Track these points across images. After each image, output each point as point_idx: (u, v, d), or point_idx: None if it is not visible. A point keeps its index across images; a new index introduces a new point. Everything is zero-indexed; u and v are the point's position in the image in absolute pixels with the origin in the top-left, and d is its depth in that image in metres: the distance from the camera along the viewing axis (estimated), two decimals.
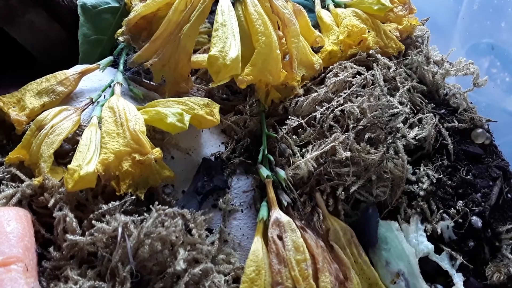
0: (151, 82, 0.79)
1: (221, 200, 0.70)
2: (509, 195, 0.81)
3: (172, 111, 0.67)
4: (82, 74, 0.75)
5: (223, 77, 0.64)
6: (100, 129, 0.66)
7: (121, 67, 0.76)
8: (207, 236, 0.65)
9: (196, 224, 0.62)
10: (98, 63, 0.77)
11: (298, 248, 0.63)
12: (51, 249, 0.59)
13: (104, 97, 0.74)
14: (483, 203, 0.77)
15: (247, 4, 0.70)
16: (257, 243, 0.64)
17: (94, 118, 0.69)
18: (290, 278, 0.61)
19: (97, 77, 0.77)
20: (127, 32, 0.77)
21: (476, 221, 0.75)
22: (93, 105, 0.73)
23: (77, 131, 0.69)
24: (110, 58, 0.78)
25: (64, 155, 0.69)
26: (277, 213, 0.66)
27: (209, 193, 0.70)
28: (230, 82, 0.72)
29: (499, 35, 1.05)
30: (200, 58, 0.78)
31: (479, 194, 0.78)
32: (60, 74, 0.74)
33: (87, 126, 0.68)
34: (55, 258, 0.59)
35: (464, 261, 0.73)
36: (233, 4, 0.72)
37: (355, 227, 0.74)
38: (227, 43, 0.65)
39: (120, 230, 0.56)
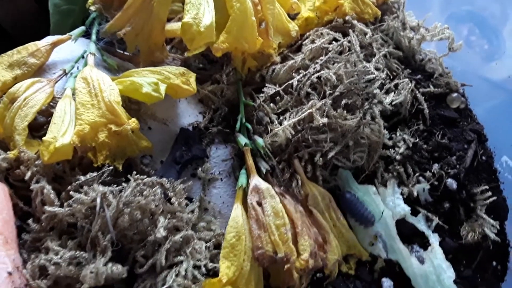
0: (125, 52, 0.77)
1: (200, 169, 0.70)
2: (483, 158, 0.83)
3: (147, 80, 0.66)
4: (54, 45, 0.73)
5: (197, 45, 0.64)
6: (74, 101, 0.65)
7: (93, 37, 0.75)
8: (187, 204, 0.66)
9: (175, 192, 0.62)
10: (70, 33, 0.75)
11: (277, 213, 0.63)
12: (30, 221, 0.59)
13: (78, 68, 0.72)
14: (458, 166, 0.78)
15: None
16: (237, 210, 0.64)
17: (68, 89, 0.67)
18: (270, 242, 0.62)
19: (69, 48, 0.76)
20: (99, 1, 0.75)
21: (451, 183, 0.77)
22: (67, 77, 0.71)
23: (51, 103, 0.68)
24: (82, 28, 0.76)
25: (39, 127, 0.68)
26: (256, 180, 0.66)
27: (188, 162, 0.70)
28: (206, 51, 0.72)
29: (478, 2, 1.05)
30: (174, 26, 0.77)
31: (454, 157, 0.79)
32: (32, 46, 0.72)
33: (61, 97, 0.67)
34: (34, 230, 0.58)
35: (440, 222, 0.75)
36: None
37: (333, 192, 0.75)
38: (200, 9, 0.64)
39: (98, 200, 0.56)
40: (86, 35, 0.77)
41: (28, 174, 0.61)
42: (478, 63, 1.02)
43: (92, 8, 0.76)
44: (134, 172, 0.61)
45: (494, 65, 1.00)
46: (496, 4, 1.03)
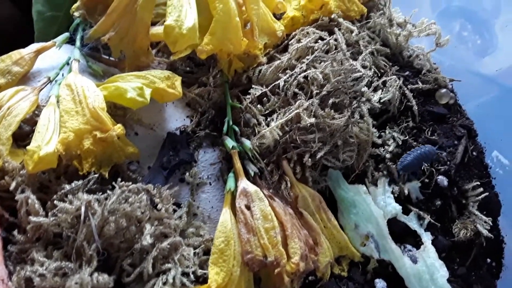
0: (111, 58, 0.76)
1: (187, 173, 0.70)
2: (474, 153, 0.82)
3: (132, 85, 0.66)
4: (38, 52, 0.73)
5: (180, 47, 0.63)
6: (59, 108, 0.65)
7: (77, 43, 0.74)
8: (175, 210, 0.65)
9: (162, 198, 0.62)
10: (54, 40, 0.74)
11: (266, 216, 0.63)
12: (15, 232, 0.58)
13: (62, 75, 0.72)
14: (448, 162, 0.78)
15: None
16: (226, 214, 0.64)
17: (52, 97, 0.67)
18: (259, 246, 0.61)
19: (54, 55, 0.75)
20: (82, 7, 0.75)
21: (442, 180, 0.76)
22: (51, 84, 0.70)
23: (36, 112, 0.68)
24: (66, 34, 0.75)
25: (24, 136, 0.67)
26: (244, 183, 0.66)
27: (175, 167, 0.69)
28: (192, 54, 0.71)
29: None
30: (159, 30, 0.76)
31: (445, 153, 0.79)
32: (15, 54, 0.72)
33: (45, 105, 0.66)
34: (20, 242, 0.58)
35: (432, 220, 0.75)
36: None
37: (323, 192, 0.75)
38: (182, 11, 0.63)
39: (83, 208, 0.55)
40: (71, 41, 0.76)
41: (13, 185, 0.60)
42: (472, 58, 1.01)
43: (76, 14, 0.75)
44: (119, 179, 0.60)
45: (486, 60, 1.00)
46: None
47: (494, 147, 0.84)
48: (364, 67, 0.78)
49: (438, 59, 0.91)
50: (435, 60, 0.90)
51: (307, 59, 0.77)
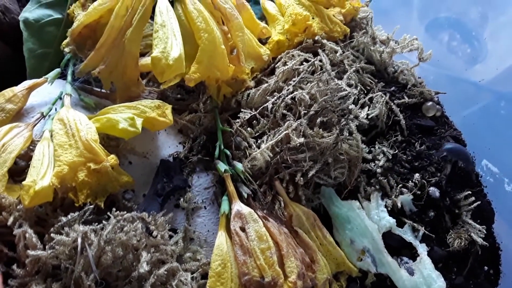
0: (102, 90, 0.78)
1: (182, 199, 0.71)
2: (464, 163, 0.83)
3: (123, 116, 0.67)
4: (30, 89, 0.74)
5: (168, 77, 0.65)
6: (53, 142, 0.66)
7: (69, 78, 0.76)
8: (171, 236, 0.66)
9: (157, 225, 0.63)
10: (46, 76, 0.76)
11: (261, 237, 0.64)
12: (14, 266, 0.59)
13: (55, 110, 0.73)
14: (439, 174, 0.79)
15: (186, 3, 0.71)
16: (221, 237, 0.65)
17: (46, 132, 0.68)
18: (256, 267, 0.62)
19: (46, 90, 0.77)
20: (72, 43, 0.77)
21: (434, 191, 0.77)
22: (44, 119, 0.72)
23: (31, 147, 0.69)
24: (57, 70, 0.77)
25: (20, 172, 0.68)
26: (238, 206, 0.67)
27: (170, 193, 0.70)
28: (182, 82, 0.73)
29: (456, 7, 1.07)
30: (148, 61, 0.77)
31: (435, 165, 0.80)
32: (8, 92, 0.73)
33: (39, 140, 0.68)
34: (20, 275, 0.58)
35: (426, 232, 0.75)
36: (172, 3, 0.72)
37: (318, 210, 0.76)
38: (168, 43, 0.65)
39: (79, 240, 0.56)
40: (62, 76, 0.78)
41: (11, 220, 0.61)
42: (462, 67, 1.03)
43: (66, 49, 0.77)
44: (114, 209, 0.61)
45: (476, 68, 1.02)
46: (474, 8, 1.06)
47: (483, 156, 0.85)
48: (349, 85, 0.80)
49: (428, 69, 0.93)
50: (425, 71, 0.92)
51: (294, 81, 0.79)
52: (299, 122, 0.73)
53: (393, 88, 0.87)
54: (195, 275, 0.64)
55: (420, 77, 0.90)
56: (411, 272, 0.71)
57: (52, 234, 0.58)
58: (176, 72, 0.66)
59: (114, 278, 0.58)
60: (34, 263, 0.58)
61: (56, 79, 0.78)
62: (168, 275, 0.60)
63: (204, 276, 0.65)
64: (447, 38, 1.08)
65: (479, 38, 1.04)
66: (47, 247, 0.57)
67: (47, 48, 0.84)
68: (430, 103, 0.86)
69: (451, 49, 1.07)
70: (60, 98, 0.75)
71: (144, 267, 0.56)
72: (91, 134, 0.65)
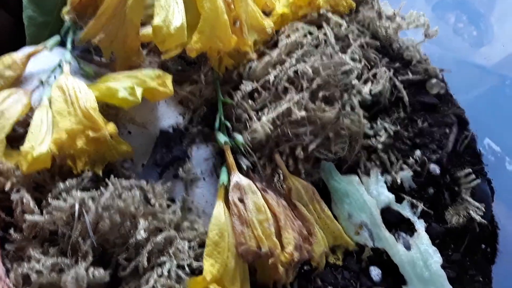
0: (102, 59, 0.78)
1: (181, 169, 0.70)
2: (465, 141, 0.83)
3: (123, 85, 0.66)
4: (30, 56, 0.74)
5: (169, 46, 0.64)
6: (51, 109, 0.65)
7: (69, 46, 0.75)
8: (168, 206, 0.66)
9: (155, 194, 0.63)
10: (45, 43, 0.75)
11: (260, 208, 0.64)
12: (12, 231, 0.59)
13: (54, 77, 0.72)
14: (440, 151, 0.78)
15: None
16: (219, 207, 0.65)
17: (45, 99, 0.68)
18: (253, 238, 0.62)
19: (46, 58, 0.76)
20: (72, 11, 0.75)
21: (434, 168, 0.77)
22: (43, 87, 0.71)
23: (29, 114, 0.68)
24: (57, 37, 0.76)
25: (18, 138, 0.67)
26: (237, 177, 0.67)
27: (169, 164, 0.70)
28: (183, 54, 0.72)
29: None
30: (149, 30, 0.76)
31: (436, 142, 0.79)
32: (7, 58, 0.73)
33: (38, 107, 0.67)
34: (17, 240, 0.59)
35: (425, 208, 0.75)
36: None
37: (317, 184, 0.75)
38: (169, 11, 0.64)
39: (77, 206, 0.56)
40: (62, 44, 0.78)
41: (8, 185, 0.61)
42: (468, 50, 1.02)
43: (66, 17, 0.76)
44: (112, 176, 0.61)
45: (482, 51, 1.01)
46: None
47: (486, 134, 0.84)
48: (353, 60, 0.79)
49: (434, 50, 0.92)
50: (430, 51, 0.90)
51: (297, 54, 0.78)
52: (301, 96, 0.73)
53: (397, 64, 0.85)
54: (192, 243, 0.64)
55: (425, 54, 0.88)
56: (408, 247, 0.71)
57: (49, 200, 0.58)
58: (177, 41, 0.65)
59: (111, 245, 0.58)
60: (31, 228, 0.58)
61: (56, 47, 0.77)
62: (166, 242, 0.60)
63: (202, 245, 0.65)
64: (454, 20, 1.06)
65: (486, 21, 1.02)
66: (44, 212, 0.58)
67: (48, 16, 0.83)
68: (434, 81, 0.85)
69: (457, 30, 1.05)
70: (60, 66, 0.74)
71: (141, 234, 0.57)
72: (90, 102, 0.65)
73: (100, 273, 0.54)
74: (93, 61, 0.79)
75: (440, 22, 1.06)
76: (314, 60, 0.75)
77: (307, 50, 0.78)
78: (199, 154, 0.74)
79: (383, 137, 0.78)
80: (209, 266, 0.60)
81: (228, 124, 0.74)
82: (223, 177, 0.68)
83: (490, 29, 1.01)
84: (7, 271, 0.56)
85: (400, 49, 0.89)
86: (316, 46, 0.80)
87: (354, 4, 0.88)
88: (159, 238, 0.59)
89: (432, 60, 0.91)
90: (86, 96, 0.65)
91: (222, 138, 0.71)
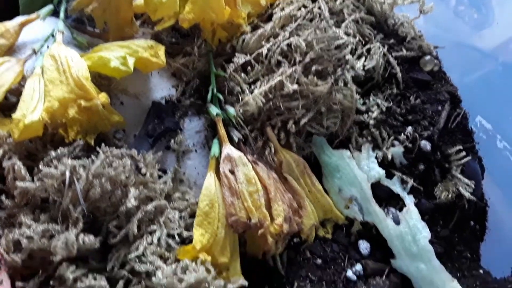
0: (95, 29, 0.77)
1: (173, 141, 0.71)
2: (457, 118, 0.83)
3: (115, 55, 0.66)
4: (23, 25, 0.73)
5: (160, 15, 0.64)
6: (43, 78, 0.65)
7: (61, 15, 0.74)
8: (160, 176, 0.66)
9: (146, 164, 0.63)
10: (38, 12, 0.74)
11: (250, 180, 0.64)
12: (3, 198, 0.59)
13: (47, 47, 0.72)
14: (431, 127, 0.79)
15: None
16: (210, 179, 0.65)
17: (37, 67, 0.67)
18: (243, 209, 0.62)
19: (38, 27, 0.75)
20: None
21: (425, 144, 0.77)
22: (36, 56, 0.71)
23: (21, 83, 0.68)
24: (50, 6, 0.75)
25: (10, 107, 0.68)
26: (228, 149, 0.67)
27: (161, 135, 0.70)
28: (177, 25, 0.72)
29: None
30: (142, 1, 0.76)
31: (428, 119, 0.80)
32: (0, 27, 0.72)
33: (30, 76, 0.67)
34: (8, 207, 0.59)
35: (415, 184, 0.76)
36: None
37: (308, 159, 0.76)
38: None
39: (67, 173, 0.56)
40: (55, 14, 0.77)
41: (0, 152, 0.61)
42: (469, 33, 1.01)
43: None
44: (103, 145, 0.61)
45: (482, 33, 1.00)
46: None
47: (478, 112, 0.85)
48: (347, 34, 0.79)
49: (434, 32, 0.91)
50: (430, 33, 0.90)
51: (290, 27, 0.77)
52: (293, 69, 0.72)
53: (392, 41, 0.85)
54: (183, 213, 0.65)
55: (420, 31, 0.88)
56: (397, 222, 0.72)
57: (41, 167, 0.58)
58: (169, 10, 0.64)
59: (102, 213, 0.59)
60: (22, 195, 0.58)
61: (49, 17, 0.76)
62: (156, 211, 0.61)
63: (192, 215, 0.65)
64: (455, 2, 1.05)
65: (487, 4, 1.01)
66: (35, 179, 0.58)
67: None
68: (428, 57, 0.85)
69: (458, 13, 1.04)
70: (53, 35, 0.73)
71: (132, 202, 0.57)
72: (82, 71, 0.64)
73: (90, 239, 0.54)
74: (86, 31, 0.78)
75: (441, 4, 1.05)
76: (308, 33, 0.75)
77: (301, 24, 0.77)
78: (191, 127, 0.74)
79: (375, 113, 0.78)
80: (199, 236, 0.60)
81: (221, 97, 0.74)
82: (215, 148, 0.68)
83: (491, 12, 1.00)
84: None
85: (395, 25, 0.88)
86: (311, 20, 0.80)
87: None
88: (150, 207, 0.59)
89: (432, 42, 0.90)
90: (78, 65, 0.65)
91: (214, 110, 0.71)
